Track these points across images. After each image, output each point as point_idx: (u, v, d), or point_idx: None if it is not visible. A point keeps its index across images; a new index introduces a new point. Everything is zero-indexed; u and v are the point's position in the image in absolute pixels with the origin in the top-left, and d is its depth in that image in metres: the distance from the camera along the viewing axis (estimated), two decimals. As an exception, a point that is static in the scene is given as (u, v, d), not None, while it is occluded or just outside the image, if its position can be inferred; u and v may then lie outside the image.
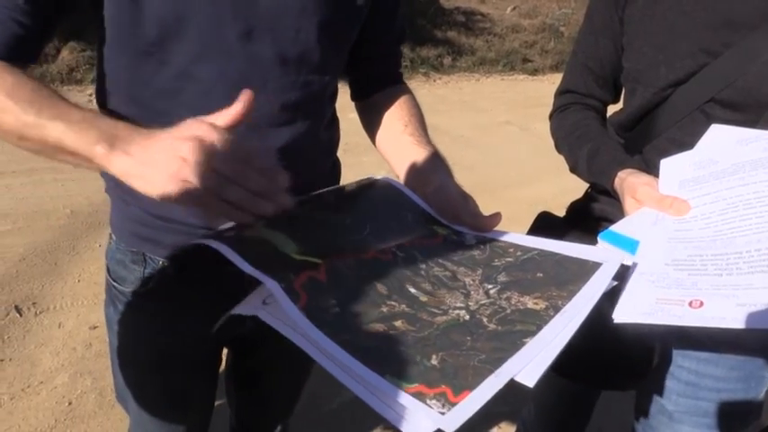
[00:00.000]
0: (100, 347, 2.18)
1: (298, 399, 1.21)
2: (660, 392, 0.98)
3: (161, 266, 0.87)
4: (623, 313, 0.60)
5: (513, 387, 0.47)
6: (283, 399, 1.19)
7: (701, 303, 0.57)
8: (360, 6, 0.83)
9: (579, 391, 1.22)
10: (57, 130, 0.62)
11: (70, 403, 1.92)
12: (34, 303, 2.37)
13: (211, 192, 0.56)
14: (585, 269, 0.62)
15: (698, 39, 0.85)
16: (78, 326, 2.28)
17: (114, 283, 0.91)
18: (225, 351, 1.10)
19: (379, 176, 0.81)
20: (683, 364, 0.95)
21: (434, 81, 7.20)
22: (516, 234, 0.72)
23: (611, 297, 0.62)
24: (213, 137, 0.56)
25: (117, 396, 1.05)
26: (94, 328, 2.28)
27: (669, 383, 0.97)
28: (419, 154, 0.83)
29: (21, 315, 2.30)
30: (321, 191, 0.77)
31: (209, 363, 1.03)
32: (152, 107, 0.76)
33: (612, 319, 0.61)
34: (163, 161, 0.55)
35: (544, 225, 1.09)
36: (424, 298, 0.59)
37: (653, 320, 0.58)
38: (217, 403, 1.12)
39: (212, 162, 0.55)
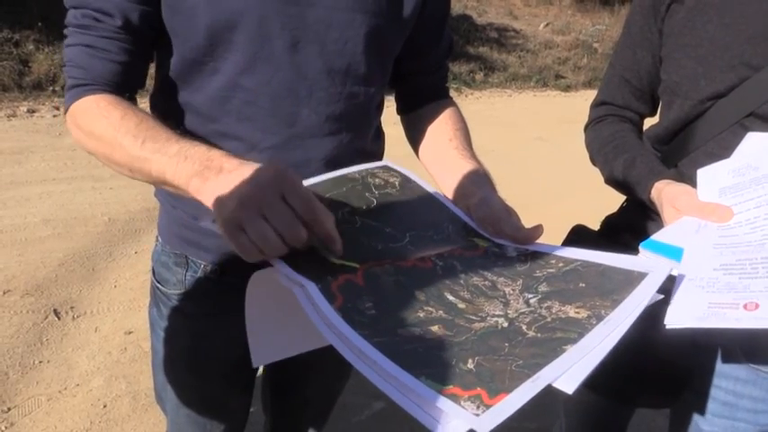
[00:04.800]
0: (134, 352, 2.22)
1: (332, 408, 1.22)
2: (696, 412, 0.97)
3: (202, 270, 0.89)
4: (675, 319, 0.59)
5: (543, 403, 0.46)
6: (318, 407, 1.20)
7: (757, 305, 0.56)
8: (407, 19, 0.85)
9: (612, 408, 1.20)
10: (158, 165, 0.65)
11: (105, 406, 1.96)
12: (72, 307, 2.44)
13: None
14: (630, 279, 0.60)
15: (739, 52, 0.84)
16: (114, 330, 2.33)
17: (158, 285, 0.94)
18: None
19: (421, 180, 0.81)
20: (721, 384, 0.93)
21: (466, 96, 7.22)
22: (558, 246, 0.71)
23: (647, 312, 0.61)
24: (290, 186, 0.57)
25: (156, 397, 1.07)
26: (129, 333, 2.32)
27: (706, 403, 0.95)
28: (463, 166, 0.83)
29: (59, 318, 2.36)
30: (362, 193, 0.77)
31: (246, 369, 1.03)
32: (203, 113, 0.79)
33: (648, 335, 0.60)
34: (241, 187, 0.57)
35: (578, 238, 1.08)
36: (461, 305, 0.59)
37: (707, 324, 0.57)
38: (252, 409, 1.13)
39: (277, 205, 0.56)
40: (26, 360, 2.11)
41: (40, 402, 1.94)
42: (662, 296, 0.60)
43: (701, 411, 0.96)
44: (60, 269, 2.68)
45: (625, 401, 1.13)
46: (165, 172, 0.64)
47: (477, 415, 0.43)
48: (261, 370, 1.15)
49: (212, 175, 0.60)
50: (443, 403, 0.45)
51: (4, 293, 2.46)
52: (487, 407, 0.44)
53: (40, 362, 2.12)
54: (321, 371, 1.09)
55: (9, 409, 1.89)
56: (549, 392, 0.46)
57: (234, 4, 0.72)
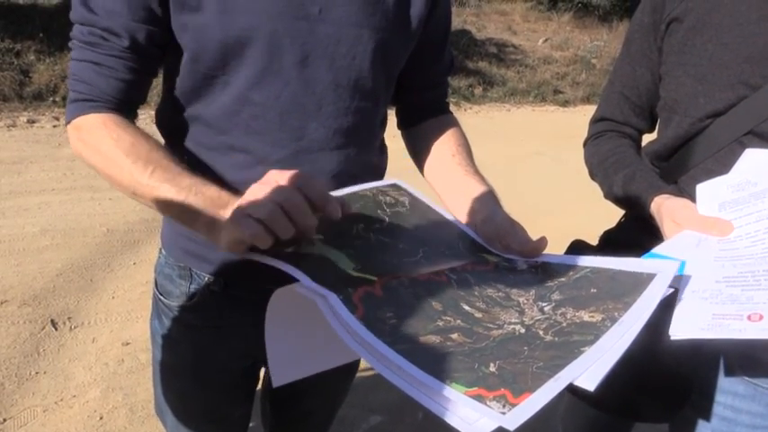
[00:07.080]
0: (131, 364, 2.22)
1: (331, 421, 1.22)
2: (695, 427, 0.97)
3: (206, 282, 0.89)
4: (680, 330, 0.60)
5: (541, 419, 0.47)
6: (317, 420, 1.20)
7: (761, 317, 0.58)
8: (412, 33, 0.86)
9: (611, 423, 1.20)
10: (167, 194, 0.68)
11: (101, 418, 1.95)
12: (69, 318, 2.43)
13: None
14: (640, 281, 0.62)
15: (738, 71, 0.86)
16: (111, 342, 2.33)
17: (161, 297, 0.94)
18: (262, 371, 1.11)
19: (429, 200, 0.82)
20: (720, 399, 0.93)
21: (465, 110, 7.25)
22: (565, 256, 0.73)
23: (650, 323, 0.62)
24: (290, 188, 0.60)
25: (156, 409, 1.07)
26: (127, 344, 2.32)
27: (705, 418, 0.95)
28: (468, 183, 0.84)
29: (56, 329, 2.35)
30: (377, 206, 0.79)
31: (248, 381, 1.04)
32: (212, 126, 0.80)
33: (650, 347, 0.60)
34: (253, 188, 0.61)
35: (577, 254, 1.09)
36: (478, 314, 0.60)
37: (712, 335, 0.58)
38: (251, 425, 1.13)
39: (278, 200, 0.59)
40: (22, 371, 2.11)
41: (36, 414, 1.93)
42: (672, 289, 0.62)
43: (701, 426, 0.96)
44: (58, 279, 2.68)
45: (625, 416, 1.13)
46: (171, 202, 0.68)
47: (504, 413, 0.44)
48: (260, 382, 1.15)
49: (222, 211, 0.64)
50: (470, 403, 0.46)
51: (2, 303, 2.45)
52: (513, 405, 0.45)
53: (37, 373, 2.11)
54: (321, 384, 1.08)
55: (5, 421, 1.88)
56: (548, 408, 0.46)
57: (246, 21, 0.73)
